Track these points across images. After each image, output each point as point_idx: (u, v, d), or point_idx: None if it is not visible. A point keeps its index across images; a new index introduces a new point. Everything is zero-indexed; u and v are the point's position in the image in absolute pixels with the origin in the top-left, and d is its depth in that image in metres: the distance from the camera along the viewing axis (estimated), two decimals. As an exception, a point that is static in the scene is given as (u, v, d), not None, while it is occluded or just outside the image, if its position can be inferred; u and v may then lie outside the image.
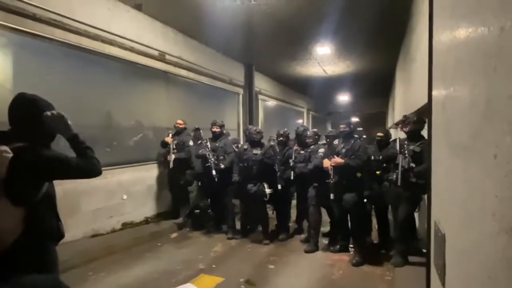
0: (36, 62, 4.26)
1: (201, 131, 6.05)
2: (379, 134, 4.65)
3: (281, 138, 5.50)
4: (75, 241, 4.40)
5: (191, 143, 5.72)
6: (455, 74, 0.78)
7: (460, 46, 0.73)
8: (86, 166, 1.73)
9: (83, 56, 4.75)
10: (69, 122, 1.72)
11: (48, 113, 1.66)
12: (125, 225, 5.30)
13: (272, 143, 5.47)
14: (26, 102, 1.66)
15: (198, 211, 6.08)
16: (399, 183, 3.88)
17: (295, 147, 5.35)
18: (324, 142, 5.19)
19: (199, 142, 5.79)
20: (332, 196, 4.22)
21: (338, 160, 4.16)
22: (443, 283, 0.83)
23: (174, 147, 5.64)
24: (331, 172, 4.18)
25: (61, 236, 1.73)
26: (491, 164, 0.51)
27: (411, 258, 4.01)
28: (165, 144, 5.78)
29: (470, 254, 0.63)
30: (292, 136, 5.81)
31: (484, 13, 0.56)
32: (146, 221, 5.69)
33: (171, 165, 5.60)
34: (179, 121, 5.86)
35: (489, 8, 0.54)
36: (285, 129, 5.67)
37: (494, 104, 0.51)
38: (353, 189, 4.18)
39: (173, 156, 5.58)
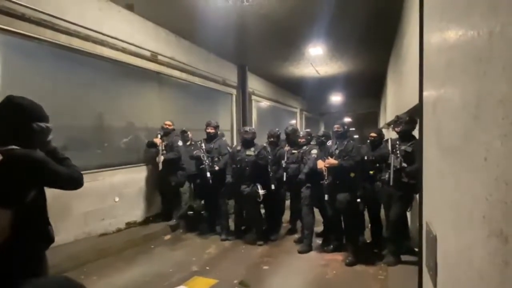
0: (26, 63, 4.19)
1: (188, 133, 6.00)
2: (373, 134, 4.67)
3: (271, 139, 5.45)
4: (67, 244, 4.34)
5: (180, 143, 5.65)
6: (446, 76, 0.79)
7: (450, 48, 0.73)
8: (73, 173, 1.70)
9: (74, 57, 4.68)
10: (51, 136, 1.71)
11: (42, 125, 1.63)
12: (118, 228, 5.24)
13: (265, 143, 5.46)
14: (14, 108, 1.60)
15: (191, 212, 6.05)
16: (391, 183, 3.92)
17: (286, 148, 5.35)
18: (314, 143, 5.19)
19: (188, 143, 5.75)
20: (326, 197, 4.24)
21: (331, 161, 4.17)
22: (435, 284, 0.84)
23: (163, 148, 5.57)
24: (325, 173, 4.20)
25: (51, 240, 1.70)
26: (482, 167, 0.52)
27: (404, 257, 4.05)
28: (152, 145, 5.66)
29: (461, 255, 0.63)
30: (283, 136, 5.80)
31: (473, 17, 0.57)
32: (139, 223, 5.63)
33: (160, 166, 5.51)
34: (168, 122, 5.76)
35: (478, 12, 0.54)
36: (276, 129, 5.61)
37: (484, 107, 0.52)
38: (347, 189, 4.20)
39: (162, 158, 5.51)
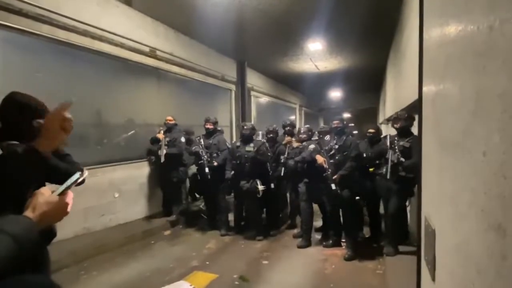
0: (24, 58, 4.17)
1: (193, 137, 5.97)
2: (371, 130, 4.68)
3: (270, 135, 5.41)
4: (66, 240, 4.35)
5: (182, 139, 5.65)
6: (445, 71, 0.79)
7: (450, 43, 0.73)
8: (74, 170, 1.70)
9: (72, 52, 4.65)
10: None
11: (41, 122, 1.63)
12: (117, 224, 5.26)
13: (263, 140, 5.45)
14: (18, 105, 1.61)
15: (192, 203, 6.07)
16: (388, 177, 3.97)
17: (287, 138, 5.36)
18: (317, 138, 5.19)
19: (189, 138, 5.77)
20: (333, 186, 4.16)
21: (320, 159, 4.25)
22: (433, 278, 0.85)
23: (166, 143, 5.57)
24: (326, 165, 4.20)
25: (53, 235, 1.71)
26: (480, 161, 0.52)
27: (402, 248, 4.10)
28: (155, 141, 5.67)
29: (459, 249, 0.64)
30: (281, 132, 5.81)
31: (473, 12, 0.56)
32: (139, 219, 5.64)
33: (162, 159, 5.47)
34: (169, 117, 5.77)
35: (478, 7, 0.54)
36: (274, 125, 5.58)
37: (483, 102, 0.52)
38: (350, 186, 4.23)
39: (164, 151, 5.50)
